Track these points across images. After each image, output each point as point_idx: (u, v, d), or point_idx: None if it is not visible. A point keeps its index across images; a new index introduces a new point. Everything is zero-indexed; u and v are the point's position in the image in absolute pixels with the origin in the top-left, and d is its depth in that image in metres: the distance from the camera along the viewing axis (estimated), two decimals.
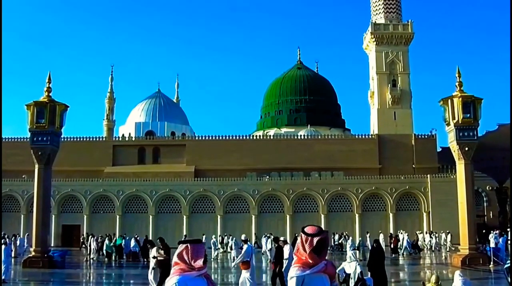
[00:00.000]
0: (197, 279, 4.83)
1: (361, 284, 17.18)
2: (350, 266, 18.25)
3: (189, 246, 4.91)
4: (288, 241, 42.56)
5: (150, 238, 53.98)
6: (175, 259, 4.91)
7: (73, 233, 58.06)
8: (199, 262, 4.81)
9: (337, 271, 19.44)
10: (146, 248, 40.30)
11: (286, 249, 19.72)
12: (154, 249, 19.97)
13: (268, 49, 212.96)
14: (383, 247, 25.80)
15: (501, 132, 59.57)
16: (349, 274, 18.26)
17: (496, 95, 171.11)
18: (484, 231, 49.31)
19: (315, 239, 5.08)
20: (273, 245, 32.29)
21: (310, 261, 5.06)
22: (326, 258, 5.24)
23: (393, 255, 42.98)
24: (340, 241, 50.44)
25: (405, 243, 46.15)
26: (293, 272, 5.10)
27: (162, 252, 19.52)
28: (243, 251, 18.57)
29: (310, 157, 68.39)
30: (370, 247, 40.64)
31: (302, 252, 5.11)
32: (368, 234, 49.18)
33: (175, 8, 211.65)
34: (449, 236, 50.53)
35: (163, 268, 19.06)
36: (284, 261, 19.53)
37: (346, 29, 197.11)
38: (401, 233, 49.01)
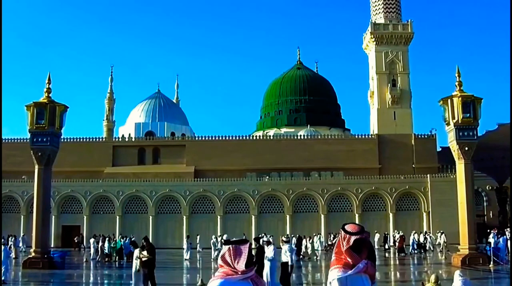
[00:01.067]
0: (241, 283, 4.51)
1: None
2: None
3: (231, 247, 4.61)
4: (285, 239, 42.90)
5: (150, 238, 54.14)
6: (219, 261, 4.66)
7: (73, 233, 57.99)
8: (242, 265, 4.51)
9: None
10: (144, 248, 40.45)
11: (270, 250, 19.19)
12: (137, 250, 19.73)
13: (268, 49, 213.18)
14: (375, 247, 25.85)
15: (501, 132, 59.51)
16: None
17: (496, 95, 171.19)
18: (488, 230, 49.26)
19: (353, 238, 4.91)
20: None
21: (350, 260, 4.90)
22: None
23: (401, 254, 44.05)
24: (334, 241, 50.49)
25: (411, 243, 47.00)
26: (334, 274, 4.91)
27: (145, 252, 19.23)
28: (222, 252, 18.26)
29: (310, 157, 68.40)
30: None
31: (341, 250, 4.95)
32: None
33: (175, 8, 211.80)
34: (443, 236, 50.63)
35: (148, 268, 18.89)
36: (267, 262, 19.06)
37: (345, 29, 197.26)
38: (398, 233, 49.70)
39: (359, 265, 4.88)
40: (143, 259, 18.94)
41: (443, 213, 56.23)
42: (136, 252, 19.50)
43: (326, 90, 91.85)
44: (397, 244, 46.78)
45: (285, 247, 19.06)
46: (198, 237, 51.70)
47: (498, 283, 26.10)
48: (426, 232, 54.39)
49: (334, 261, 4.99)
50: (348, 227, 5.00)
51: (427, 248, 49.64)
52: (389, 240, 54.16)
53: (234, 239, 5.04)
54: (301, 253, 40.58)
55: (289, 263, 18.54)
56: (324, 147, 70.39)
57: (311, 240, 44.61)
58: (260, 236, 26.17)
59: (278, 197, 61.27)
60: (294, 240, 46.07)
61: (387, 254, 46.61)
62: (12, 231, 52.03)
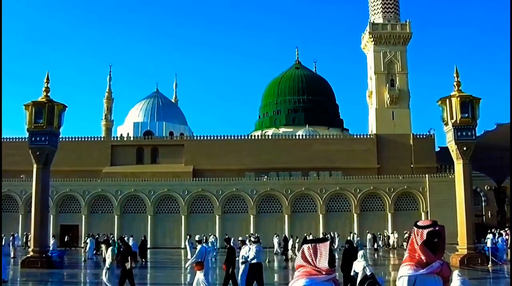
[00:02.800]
0: (326, 284, 4.28)
1: (369, 283, 17.17)
2: (359, 265, 18.26)
3: (310, 245, 4.37)
4: (283, 239, 42.68)
5: (148, 239, 54.17)
6: (299, 261, 4.40)
7: (72, 233, 57.93)
8: (324, 264, 4.26)
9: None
10: (144, 248, 40.47)
11: (244, 250, 18.94)
12: (110, 249, 19.61)
13: (266, 49, 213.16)
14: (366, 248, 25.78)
15: (499, 132, 59.65)
16: (358, 273, 18.29)
17: (495, 95, 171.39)
18: (489, 230, 49.33)
19: (425, 231, 4.58)
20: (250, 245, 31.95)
21: (423, 258, 4.56)
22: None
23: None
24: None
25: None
26: (404, 271, 4.60)
27: (129, 263, 18.95)
28: (196, 252, 17.93)
29: (308, 157, 68.39)
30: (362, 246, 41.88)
31: (415, 248, 4.62)
32: (351, 233, 51.66)
33: (174, 8, 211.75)
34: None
35: (125, 268, 18.67)
36: (242, 262, 18.87)
37: (344, 29, 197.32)
38: (394, 233, 50.17)
39: (433, 265, 4.57)
40: (127, 267, 18.70)
41: (441, 213, 56.03)
42: (109, 252, 19.35)
43: (325, 90, 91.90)
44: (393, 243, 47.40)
45: (252, 247, 18.97)
46: (188, 236, 51.54)
47: (497, 283, 26.12)
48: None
49: (407, 258, 4.68)
50: (420, 222, 4.72)
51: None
52: (378, 240, 55.03)
53: (233, 239, 4.94)
54: (287, 253, 40.39)
55: (254, 262, 18.48)
56: (323, 146, 70.39)
57: (298, 240, 44.23)
58: (253, 235, 26.06)
59: (277, 196, 61.26)
60: (276, 239, 45.89)
61: (375, 254, 46.78)
62: (11, 230, 52.00)
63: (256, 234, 24.10)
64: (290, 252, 40.99)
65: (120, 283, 18.74)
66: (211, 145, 70.85)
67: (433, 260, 4.56)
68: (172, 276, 30.21)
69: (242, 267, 18.76)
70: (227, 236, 40.08)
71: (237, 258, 19.52)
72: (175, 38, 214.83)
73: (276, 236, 48.59)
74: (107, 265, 18.90)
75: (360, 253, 18.64)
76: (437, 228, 4.64)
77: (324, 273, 4.26)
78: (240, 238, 21.35)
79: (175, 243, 57.45)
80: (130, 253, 18.95)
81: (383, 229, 58.59)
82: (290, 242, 41.99)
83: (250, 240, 19.55)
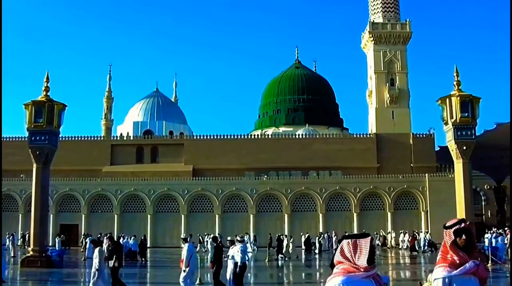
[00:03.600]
0: (364, 281, 4.10)
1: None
2: None
3: (350, 241, 4.17)
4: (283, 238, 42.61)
5: (148, 238, 54.22)
6: (338, 257, 4.21)
7: (71, 232, 57.94)
8: (363, 261, 4.08)
9: None
10: (143, 247, 40.51)
11: (232, 250, 19.07)
12: (97, 249, 19.48)
13: (266, 48, 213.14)
14: None
15: (499, 131, 59.71)
16: None
17: (494, 95, 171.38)
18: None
19: (452, 230, 4.46)
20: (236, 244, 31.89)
21: (456, 259, 4.40)
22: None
23: (413, 253, 45.65)
24: (319, 240, 50.43)
25: (422, 242, 47.85)
26: (438, 273, 4.45)
27: (113, 262, 18.78)
28: (185, 251, 17.79)
29: (308, 156, 68.39)
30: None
31: (447, 249, 4.48)
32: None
33: (173, 7, 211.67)
34: (428, 235, 50.94)
35: (113, 267, 18.59)
36: (229, 261, 18.96)
37: (344, 28, 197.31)
38: (391, 233, 50.53)
39: (466, 266, 4.39)
40: (110, 265, 18.63)
41: (441, 213, 56.12)
42: (96, 252, 19.27)
43: (325, 89, 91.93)
44: (407, 243, 49.28)
45: (237, 247, 19.01)
46: (190, 236, 51.59)
47: (497, 283, 26.09)
48: (407, 232, 54.98)
49: (440, 259, 4.52)
50: (448, 222, 4.60)
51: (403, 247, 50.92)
52: (374, 240, 54.82)
53: (234, 237, 4.89)
54: (283, 252, 40.27)
55: (239, 264, 18.54)
56: (323, 146, 70.38)
57: (292, 239, 44.06)
58: (217, 236, 25.96)
59: (276, 196, 61.27)
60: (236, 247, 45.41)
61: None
62: (11, 229, 52.05)
63: (241, 235, 24.19)
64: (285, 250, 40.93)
65: (113, 283, 18.68)
66: (211, 144, 70.85)
67: (466, 260, 4.40)
68: (171, 275, 30.11)
69: (230, 266, 18.90)
70: (216, 235, 40.05)
71: (225, 258, 19.60)
72: (175, 38, 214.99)
73: (301, 235, 51.04)
74: (95, 265, 18.63)
75: None
76: (463, 225, 4.51)
77: (362, 270, 4.09)
78: (228, 238, 21.46)
79: (174, 243, 57.36)
80: (117, 252, 18.83)
81: (382, 228, 58.60)
82: (285, 242, 41.80)
83: (237, 240, 19.67)
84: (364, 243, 4.13)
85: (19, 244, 51.74)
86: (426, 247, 48.52)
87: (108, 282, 18.91)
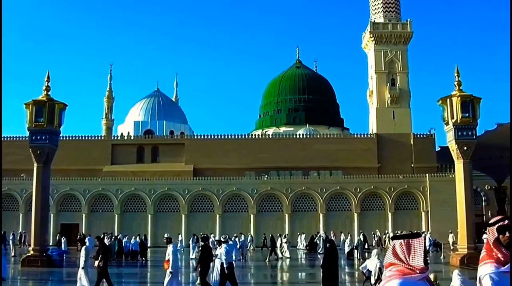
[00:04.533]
0: (420, 283, 3.93)
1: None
2: (372, 263, 18.34)
3: (402, 241, 3.98)
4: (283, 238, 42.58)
5: (149, 237, 54.22)
6: (390, 258, 4.01)
7: (72, 231, 57.96)
8: (419, 262, 3.90)
9: (361, 267, 19.58)
10: (144, 247, 40.50)
11: (218, 250, 19.12)
12: (83, 248, 19.46)
13: (267, 48, 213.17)
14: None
15: (500, 131, 59.53)
16: (371, 271, 18.37)
17: (495, 95, 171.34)
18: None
19: (495, 227, 4.28)
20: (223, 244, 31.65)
21: (501, 257, 4.21)
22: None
23: None
24: (315, 241, 50.35)
25: (427, 242, 47.69)
26: (487, 269, 4.25)
27: (97, 262, 18.67)
28: (171, 253, 17.76)
29: (308, 156, 68.39)
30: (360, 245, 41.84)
31: (490, 247, 4.30)
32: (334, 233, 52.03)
33: (174, 7, 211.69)
34: (451, 235, 50.76)
35: (102, 267, 18.55)
36: (217, 260, 19.00)
37: (345, 28, 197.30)
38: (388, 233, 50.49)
39: None
40: (95, 265, 18.60)
41: (441, 213, 56.23)
42: (83, 251, 19.28)
43: (325, 89, 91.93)
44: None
45: (222, 247, 19.05)
46: (193, 236, 51.58)
47: None
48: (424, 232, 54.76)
49: (485, 256, 4.32)
50: (491, 220, 4.39)
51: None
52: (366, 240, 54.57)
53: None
54: (275, 253, 40.20)
55: (225, 265, 18.57)
56: (323, 146, 70.37)
57: (286, 239, 43.97)
58: (207, 236, 25.97)
59: (277, 196, 61.27)
60: (242, 238, 45.26)
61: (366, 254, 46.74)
62: (11, 229, 52.05)
63: (226, 235, 24.33)
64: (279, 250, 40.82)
65: (97, 283, 18.66)
66: (211, 144, 70.86)
67: (508, 258, 4.20)
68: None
69: (216, 266, 18.96)
70: (207, 234, 39.93)
71: (215, 258, 19.65)
72: (175, 37, 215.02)
73: (298, 235, 52.66)
74: (81, 264, 18.67)
75: (374, 251, 18.76)
76: (506, 222, 4.33)
77: (418, 271, 3.89)
78: (216, 238, 21.53)
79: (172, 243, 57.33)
80: (103, 253, 18.78)
81: (383, 229, 58.56)
82: (278, 242, 41.69)
83: (220, 241, 19.77)
84: (418, 243, 3.96)
85: (16, 243, 51.74)
86: (431, 247, 48.28)
87: (93, 281, 18.84)
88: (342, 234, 52.15)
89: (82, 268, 18.60)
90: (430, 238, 49.28)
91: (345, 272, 32.38)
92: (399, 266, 3.93)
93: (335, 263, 19.21)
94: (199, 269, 19.16)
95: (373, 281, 18.02)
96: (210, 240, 43.89)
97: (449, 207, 48.18)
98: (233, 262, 20.01)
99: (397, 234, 4.30)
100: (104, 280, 18.70)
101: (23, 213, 59.02)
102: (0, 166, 35.39)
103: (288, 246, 42.60)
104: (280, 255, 39.97)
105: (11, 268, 28.96)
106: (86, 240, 23.75)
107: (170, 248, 17.87)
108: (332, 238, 51.33)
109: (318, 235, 52.22)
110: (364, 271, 18.84)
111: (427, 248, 48.10)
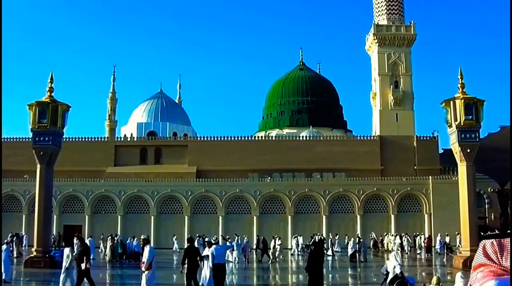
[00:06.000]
0: None
1: (398, 282, 17.30)
2: (390, 264, 18.41)
3: (494, 241, 4.06)
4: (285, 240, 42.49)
5: (151, 239, 54.16)
6: (479, 259, 4.08)
7: (75, 233, 57.95)
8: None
9: (382, 270, 19.61)
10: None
11: (206, 251, 19.18)
12: (68, 249, 19.37)
13: (271, 50, 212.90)
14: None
15: (503, 134, 59.41)
16: (388, 272, 18.43)
17: (499, 97, 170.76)
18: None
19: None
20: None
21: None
22: None
23: (428, 255, 45.88)
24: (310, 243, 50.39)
25: (437, 244, 47.97)
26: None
27: (84, 264, 18.44)
28: (148, 253, 17.73)
29: (311, 158, 68.34)
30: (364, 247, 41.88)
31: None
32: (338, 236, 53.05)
33: (178, 8, 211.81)
34: (458, 236, 50.81)
35: (84, 268, 18.47)
36: (205, 261, 19.00)
37: (348, 30, 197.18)
38: (391, 235, 50.36)
39: None
40: (83, 267, 18.51)
41: (444, 215, 56.19)
42: (67, 251, 19.21)
43: (329, 91, 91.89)
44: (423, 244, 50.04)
45: (210, 249, 19.04)
46: (198, 237, 51.59)
47: None
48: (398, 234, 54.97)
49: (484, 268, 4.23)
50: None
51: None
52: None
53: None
54: (269, 254, 40.08)
55: (209, 265, 18.58)
56: (326, 148, 70.33)
57: (280, 241, 43.77)
58: (193, 237, 25.93)
59: (280, 197, 61.26)
60: (238, 239, 44.98)
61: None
62: (14, 230, 52.09)
63: (216, 237, 24.25)
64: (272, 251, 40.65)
65: (77, 284, 18.59)
66: (214, 146, 70.87)
67: None
68: (173, 276, 30.13)
69: (205, 266, 18.96)
70: (193, 236, 39.89)
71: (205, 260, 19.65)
72: (179, 39, 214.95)
73: (294, 237, 51.71)
74: (65, 265, 18.61)
75: (393, 253, 18.81)
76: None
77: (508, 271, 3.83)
78: (206, 239, 21.57)
79: (176, 242, 57.39)
80: (86, 254, 18.70)
81: (386, 231, 58.47)
82: (272, 244, 41.49)
83: (209, 242, 19.77)
84: (508, 243, 3.84)
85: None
86: (441, 249, 48.27)
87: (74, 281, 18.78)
88: (346, 237, 52.19)
89: (66, 268, 18.53)
90: (441, 240, 49.26)
91: (348, 274, 32.34)
92: (491, 267, 3.74)
93: (319, 265, 19.11)
94: (184, 271, 19.22)
95: (388, 280, 18.09)
96: (197, 240, 44.04)
97: (452, 209, 48.18)
98: (225, 263, 20.05)
99: (487, 234, 4.14)
100: (87, 280, 18.64)
101: (26, 214, 59.14)
102: (0, 166, 35.44)
103: (280, 248, 42.34)
104: (271, 257, 39.88)
105: (13, 269, 28.95)
106: (75, 241, 23.55)
107: (146, 249, 17.76)
108: (333, 239, 51.45)
109: (312, 238, 52.08)
110: (384, 273, 18.92)
111: (437, 250, 48.29)
